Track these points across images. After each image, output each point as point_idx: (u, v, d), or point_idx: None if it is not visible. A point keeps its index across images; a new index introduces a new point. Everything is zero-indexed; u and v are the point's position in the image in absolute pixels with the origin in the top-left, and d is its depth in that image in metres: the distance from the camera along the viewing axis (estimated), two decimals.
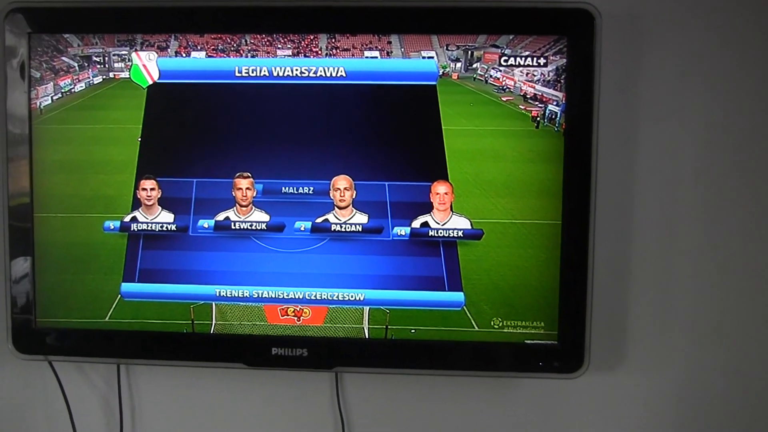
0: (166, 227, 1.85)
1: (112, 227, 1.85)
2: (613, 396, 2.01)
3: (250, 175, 1.83)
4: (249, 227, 1.84)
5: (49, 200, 1.87)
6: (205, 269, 1.86)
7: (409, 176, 1.83)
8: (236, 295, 1.86)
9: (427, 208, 1.82)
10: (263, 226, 1.84)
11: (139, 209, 1.85)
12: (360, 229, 1.83)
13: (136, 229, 1.85)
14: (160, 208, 1.85)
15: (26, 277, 1.87)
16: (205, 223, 1.84)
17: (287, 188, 1.83)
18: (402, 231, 1.82)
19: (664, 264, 1.95)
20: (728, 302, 1.96)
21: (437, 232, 1.82)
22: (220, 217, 1.84)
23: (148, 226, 1.85)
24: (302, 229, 1.83)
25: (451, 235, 1.82)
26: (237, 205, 1.84)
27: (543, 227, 1.81)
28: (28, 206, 1.86)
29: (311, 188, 1.83)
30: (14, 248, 1.87)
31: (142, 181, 1.84)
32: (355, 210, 1.83)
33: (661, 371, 1.99)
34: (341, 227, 1.83)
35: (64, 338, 1.90)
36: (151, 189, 1.84)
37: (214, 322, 1.87)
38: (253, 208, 1.84)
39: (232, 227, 1.84)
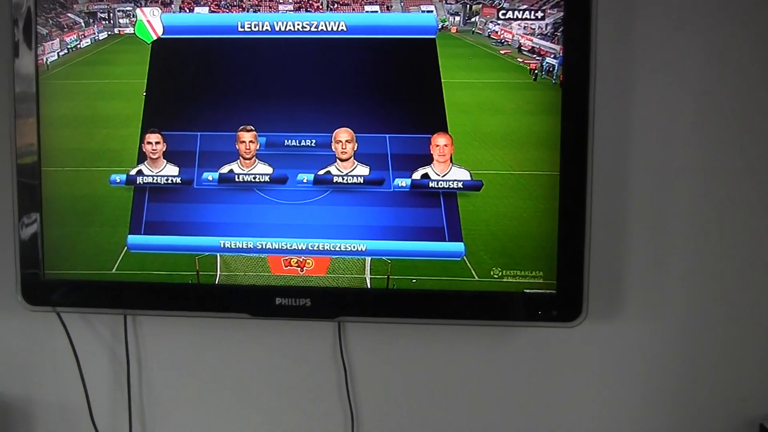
0: (171, 180, 1.92)
1: (118, 180, 1.93)
2: (611, 345, 2.08)
3: (253, 128, 1.90)
4: (252, 179, 1.91)
5: (56, 154, 1.94)
6: (210, 221, 1.93)
7: (409, 128, 1.89)
8: (240, 246, 1.93)
9: (428, 160, 1.89)
10: (266, 178, 1.91)
11: (145, 162, 1.92)
12: (361, 181, 1.90)
13: (141, 183, 1.93)
14: (165, 161, 1.92)
15: (34, 231, 1.95)
16: (210, 175, 1.91)
17: (290, 141, 1.90)
18: (403, 182, 1.89)
19: (661, 214, 2.02)
20: (725, 251, 2.03)
21: (437, 184, 1.89)
22: (224, 169, 1.91)
23: (153, 179, 1.92)
24: (305, 181, 1.90)
25: (451, 186, 1.89)
26: (240, 157, 1.91)
27: (541, 178, 1.87)
28: (36, 160, 1.93)
29: (313, 141, 1.90)
30: (22, 202, 1.95)
31: (147, 135, 1.91)
32: (356, 162, 1.90)
33: (659, 320, 2.06)
34: (343, 179, 1.90)
35: (72, 290, 1.98)
36: (156, 142, 1.91)
37: (218, 273, 1.94)
38: (257, 160, 1.91)
39: (236, 180, 1.91)
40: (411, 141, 1.89)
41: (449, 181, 1.89)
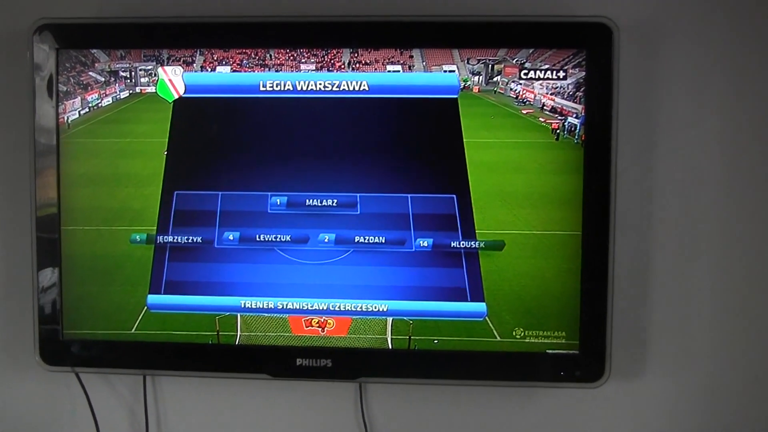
0: (192, 240, 1.98)
1: (138, 239, 1.98)
2: (635, 405, 2.11)
3: None
4: (273, 239, 1.97)
5: (76, 213, 2.00)
6: (230, 281, 1.99)
7: (431, 188, 1.96)
8: (261, 306, 1.98)
9: (451, 220, 1.94)
10: (288, 237, 1.97)
11: None
12: (383, 241, 1.96)
13: (161, 241, 1.98)
14: None
15: (53, 289, 2.00)
16: (230, 235, 1.96)
17: (311, 201, 1.96)
18: (424, 242, 1.95)
19: (683, 272, 2.06)
20: (749, 310, 2.07)
21: (459, 243, 1.94)
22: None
23: (174, 238, 1.97)
24: (326, 240, 1.96)
25: (473, 246, 1.94)
26: None
27: (564, 238, 1.93)
28: (56, 219, 1.99)
29: (335, 200, 1.95)
30: (42, 260, 2.00)
31: None
32: None
33: (683, 379, 2.10)
34: (364, 239, 1.96)
35: (91, 350, 2.03)
36: None
37: (239, 333, 1.99)
38: None
39: (257, 239, 1.97)
40: (433, 201, 1.95)
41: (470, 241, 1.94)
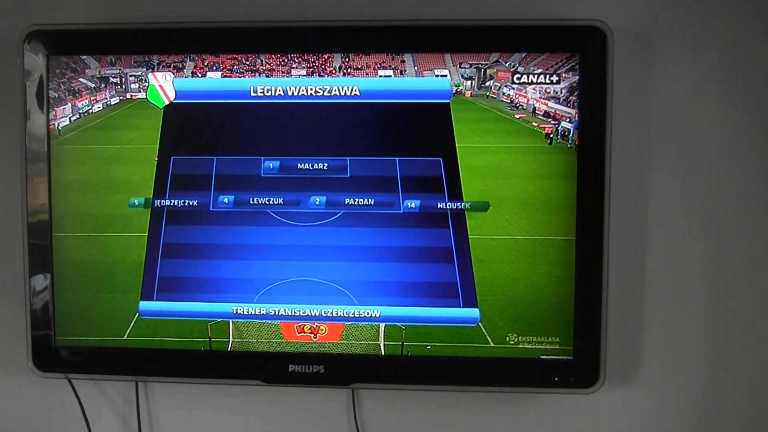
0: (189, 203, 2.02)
1: (137, 203, 2.02)
2: (629, 411, 2.12)
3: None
4: (267, 202, 2.00)
5: (68, 219, 2.02)
6: (225, 243, 2.02)
7: (423, 194, 1.97)
8: (253, 312, 2.00)
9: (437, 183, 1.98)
10: (280, 201, 2.00)
11: None
12: (372, 203, 2.00)
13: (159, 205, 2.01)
14: None
15: (45, 296, 2.02)
16: (225, 198, 2.00)
17: (303, 164, 1.99)
18: (412, 204, 1.98)
19: (678, 278, 2.08)
20: (743, 316, 2.08)
21: (446, 205, 1.99)
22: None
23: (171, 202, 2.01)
24: (317, 203, 2.00)
25: (459, 207, 1.97)
26: None
27: (557, 243, 1.94)
28: (47, 225, 2.01)
29: (326, 164, 1.98)
30: (33, 267, 2.02)
31: None
32: None
33: (677, 386, 2.11)
34: (354, 201, 2.00)
35: (83, 356, 2.05)
36: None
37: (231, 339, 2.01)
38: None
39: (251, 202, 2.01)
40: (420, 164, 1.98)
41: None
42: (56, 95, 2.00)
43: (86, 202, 2.03)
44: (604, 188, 1.90)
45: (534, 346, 1.97)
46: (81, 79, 2.01)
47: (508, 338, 1.97)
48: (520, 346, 1.97)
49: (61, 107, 2.00)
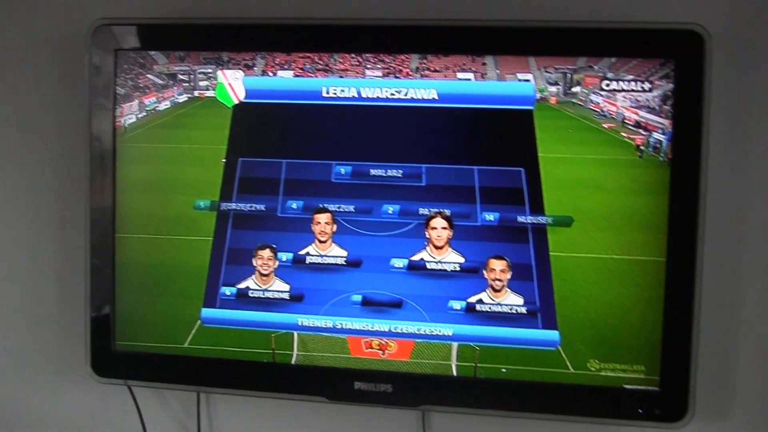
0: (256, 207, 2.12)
1: (203, 206, 2.13)
2: None
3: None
4: (337, 209, 2.09)
5: (131, 220, 2.16)
6: (292, 250, 2.12)
7: (503, 204, 2.04)
8: (319, 325, 2.11)
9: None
10: (351, 208, 2.09)
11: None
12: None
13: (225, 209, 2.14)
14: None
15: (106, 299, 2.17)
16: (294, 204, 2.10)
17: (376, 170, 2.08)
18: (490, 216, 2.04)
19: None
20: None
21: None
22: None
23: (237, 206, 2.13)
24: (390, 211, 2.08)
25: (540, 221, 2.03)
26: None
27: (645, 263, 1.98)
28: (110, 225, 2.15)
29: (400, 171, 2.07)
30: (95, 269, 2.16)
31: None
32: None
33: None
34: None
35: (143, 363, 2.19)
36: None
37: (295, 352, 2.13)
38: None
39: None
40: (500, 174, 2.05)
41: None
42: (123, 91, 2.14)
43: (151, 202, 2.17)
44: (698, 205, 1.93)
45: (617, 374, 2.01)
46: (149, 76, 2.15)
47: (589, 364, 2.02)
48: (602, 373, 2.02)
49: (128, 104, 2.14)
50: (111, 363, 2.19)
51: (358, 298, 2.09)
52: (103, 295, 2.16)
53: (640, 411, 2.00)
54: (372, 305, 2.09)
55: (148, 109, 2.15)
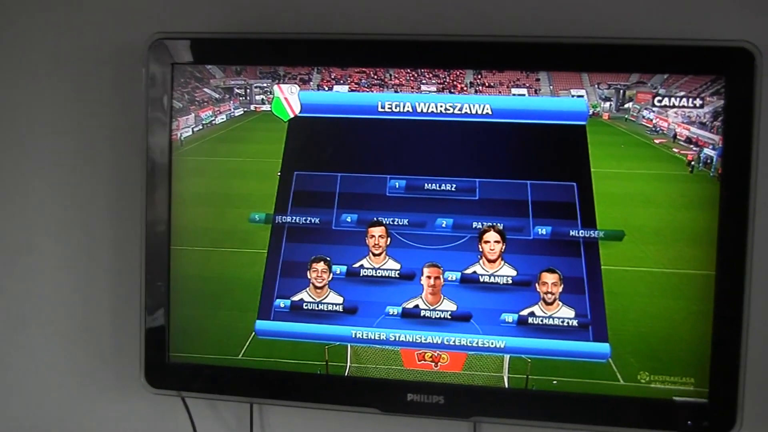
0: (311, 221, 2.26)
1: (258, 219, 2.27)
2: None
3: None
4: (391, 223, 2.23)
5: (187, 233, 2.31)
6: (346, 263, 2.26)
7: (556, 219, 2.17)
8: (373, 337, 2.25)
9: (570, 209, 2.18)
10: (405, 221, 2.24)
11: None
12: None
13: (280, 221, 2.27)
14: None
15: (161, 311, 2.31)
16: (348, 217, 2.24)
17: (430, 185, 2.20)
18: (543, 230, 2.17)
19: None
20: None
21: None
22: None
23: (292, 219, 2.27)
24: (443, 225, 2.22)
25: (592, 235, 2.15)
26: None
27: (695, 278, 2.11)
28: (166, 238, 2.29)
29: (453, 185, 2.20)
30: (150, 281, 2.30)
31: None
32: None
33: None
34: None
35: (197, 374, 2.32)
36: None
37: (348, 364, 2.26)
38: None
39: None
40: (553, 188, 2.19)
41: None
42: (179, 105, 2.29)
43: (206, 215, 2.31)
44: (748, 221, 2.04)
45: (667, 386, 2.14)
46: (205, 89, 2.30)
47: (639, 377, 2.15)
48: (652, 385, 2.14)
49: (184, 117, 2.29)
50: (165, 374, 2.32)
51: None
52: (157, 307, 2.29)
53: (689, 423, 2.11)
54: (424, 318, 2.22)
55: (204, 122, 2.28)
